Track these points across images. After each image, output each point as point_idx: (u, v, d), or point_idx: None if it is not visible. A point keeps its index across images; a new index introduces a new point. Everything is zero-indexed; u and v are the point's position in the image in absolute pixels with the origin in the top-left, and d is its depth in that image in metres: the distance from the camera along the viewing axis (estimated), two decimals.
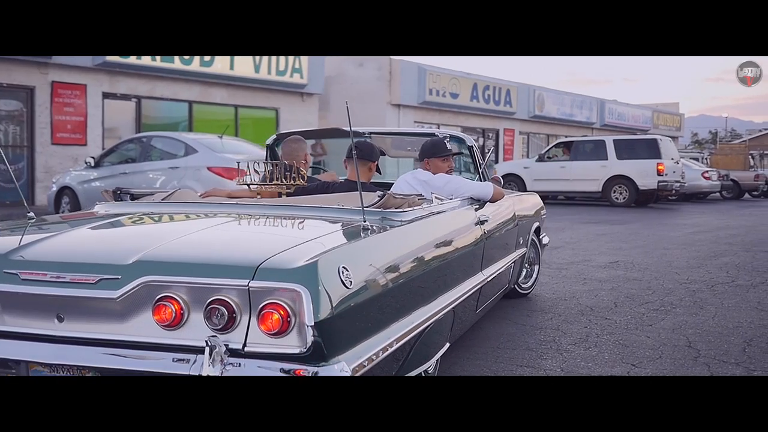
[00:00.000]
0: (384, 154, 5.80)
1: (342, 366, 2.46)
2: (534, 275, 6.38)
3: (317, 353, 2.41)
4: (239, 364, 2.43)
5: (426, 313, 3.26)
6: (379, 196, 3.50)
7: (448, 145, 4.93)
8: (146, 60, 17.06)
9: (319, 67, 21.49)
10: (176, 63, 17.64)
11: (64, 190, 12.77)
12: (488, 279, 4.42)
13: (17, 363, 2.73)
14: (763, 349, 4.61)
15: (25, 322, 2.73)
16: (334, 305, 2.47)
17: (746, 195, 26.87)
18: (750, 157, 27.46)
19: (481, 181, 5.10)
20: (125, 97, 17.55)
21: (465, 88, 25.87)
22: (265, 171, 4.33)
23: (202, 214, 3.54)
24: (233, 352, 2.44)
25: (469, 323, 4.39)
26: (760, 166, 28.35)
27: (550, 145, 22.02)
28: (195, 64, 18.04)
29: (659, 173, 19.37)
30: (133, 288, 2.56)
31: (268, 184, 4.21)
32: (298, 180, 4.19)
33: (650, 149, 19.72)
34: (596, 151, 20.30)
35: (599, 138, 21.45)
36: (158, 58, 17.19)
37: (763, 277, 7.47)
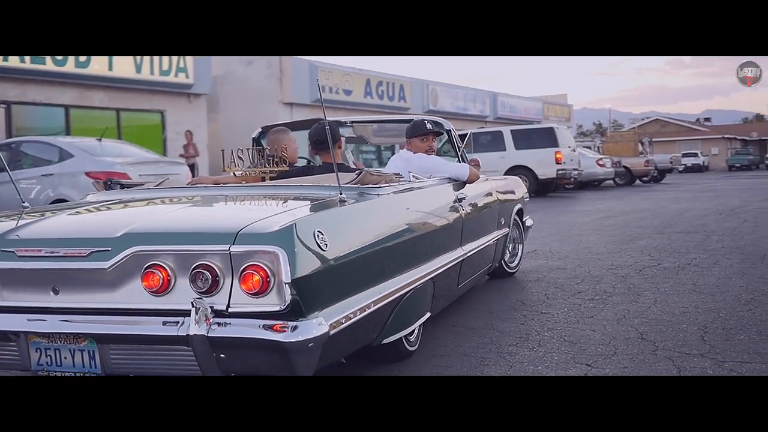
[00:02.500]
0: (366, 142, 6.42)
1: (320, 321, 2.67)
2: (519, 255, 6.52)
3: (296, 310, 2.62)
4: (224, 323, 2.62)
5: (405, 280, 3.47)
6: (356, 174, 3.69)
7: (428, 125, 5.11)
8: (14, 61, 15.66)
9: (206, 66, 20.44)
10: (48, 64, 16.27)
11: None
12: (468, 254, 4.61)
13: (17, 335, 2.92)
14: (722, 336, 4.15)
15: (23, 297, 2.94)
16: (310, 265, 2.68)
17: (637, 181, 27.37)
18: (640, 143, 28.01)
19: (459, 163, 5.25)
20: None
21: (358, 85, 25.31)
22: (249, 159, 4.43)
23: (188, 196, 3.77)
24: (218, 313, 2.64)
25: (452, 296, 4.62)
26: (650, 153, 28.97)
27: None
28: (70, 64, 16.71)
29: (557, 162, 19.32)
30: (123, 258, 2.77)
31: (251, 170, 4.34)
32: (281, 165, 4.32)
33: (548, 138, 19.67)
34: (494, 142, 20.09)
35: (497, 129, 21.27)
36: (27, 59, 15.80)
37: (687, 258, 7.15)
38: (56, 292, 2.89)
